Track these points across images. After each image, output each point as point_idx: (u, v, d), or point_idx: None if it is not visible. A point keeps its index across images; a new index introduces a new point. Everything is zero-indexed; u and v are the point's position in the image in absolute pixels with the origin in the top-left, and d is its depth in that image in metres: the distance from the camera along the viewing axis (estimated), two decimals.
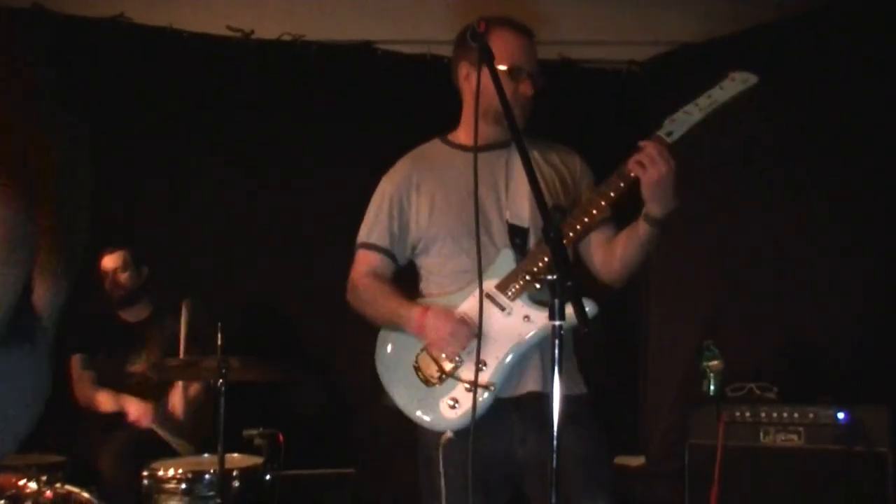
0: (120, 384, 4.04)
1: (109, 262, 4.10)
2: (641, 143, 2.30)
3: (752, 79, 2.31)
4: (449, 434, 2.32)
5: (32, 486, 2.96)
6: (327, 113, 4.66)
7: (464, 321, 2.36)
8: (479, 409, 2.31)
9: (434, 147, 2.63)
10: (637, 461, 4.58)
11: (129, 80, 4.43)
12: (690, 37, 4.78)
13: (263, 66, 4.59)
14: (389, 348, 2.52)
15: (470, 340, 2.34)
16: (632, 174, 2.29)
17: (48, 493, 2.97)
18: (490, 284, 2.40)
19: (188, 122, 4.51)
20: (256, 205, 4.59)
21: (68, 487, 3.02)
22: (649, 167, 2.26)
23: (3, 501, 2.89)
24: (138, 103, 4.44)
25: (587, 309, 2.22)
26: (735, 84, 2.30)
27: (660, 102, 4.79)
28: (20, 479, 2.98)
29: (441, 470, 2.31)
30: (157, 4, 4.47)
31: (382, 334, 2.55)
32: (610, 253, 2.50)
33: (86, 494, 3.02)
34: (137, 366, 4.04)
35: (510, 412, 2.38)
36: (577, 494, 2.31)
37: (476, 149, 2.29)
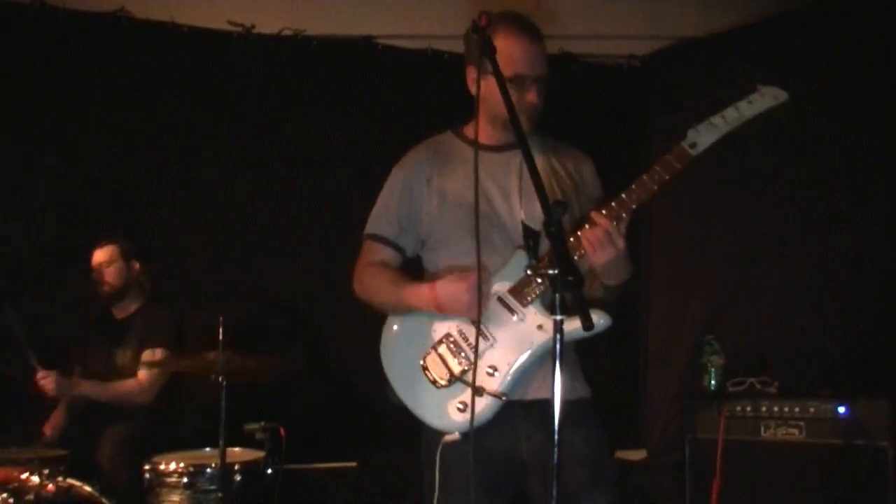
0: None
1: (98, 255, 4.04)
2: (593, 216, 2.25)
3: (782, 95, 2.21)
4: (456, 435, 2.29)
5: (35, 479, 2.95)
6: (328, 108, 4.65)
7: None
8: (487, 414, 2.30)
9: (447, 140, 2.58)
10: (638, 455, 4.59)
11: (129, 76, 4.43)
12: (691, 31, 4.79)
13: (264, 61, 4.59)
14: (395, 340, 2.47)
15: (486, 305, 2.29)
16: (584, 249, 2.24)
17: (50, 486, 2.96)
18: (503, 287, 2.37)
19: (188, 117, 4.50)
20: (257, 199, 4.59)
21: (70, 481, 3.01)
22: (597, 251, 2.23)
23: (5, 495, 2.89)
24: (139, 98, 4.44)
25: (601, 321, 2.23)
26: (765, 99, 2.21)
27: (660, 96, 4.85)
28: (22, 473, 2.97)
29: (437, 470, 2.29)
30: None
31: (388, 324, 2.49)
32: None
33: (87, 488, 3.01)
34: (118, 362, 3.98)
35: (517, 412, 2.36)
36: (579, 493, 2.30)
37: (476, 147, 2.25)
